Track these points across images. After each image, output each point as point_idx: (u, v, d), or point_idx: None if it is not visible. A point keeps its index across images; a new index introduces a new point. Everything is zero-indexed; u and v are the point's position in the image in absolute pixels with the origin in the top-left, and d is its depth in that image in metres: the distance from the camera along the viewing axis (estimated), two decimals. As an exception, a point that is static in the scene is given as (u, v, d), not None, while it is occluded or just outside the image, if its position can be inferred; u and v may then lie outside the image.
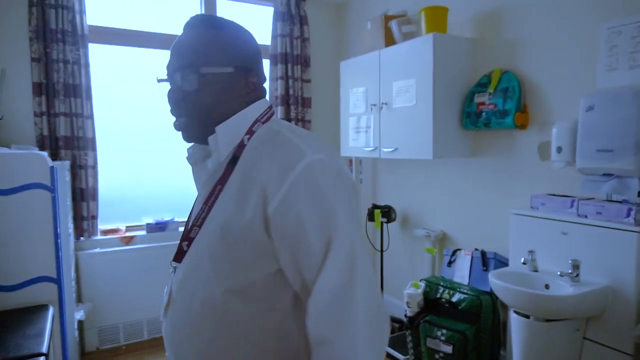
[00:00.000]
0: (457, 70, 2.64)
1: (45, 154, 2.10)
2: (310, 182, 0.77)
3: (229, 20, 0.92)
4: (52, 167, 2.04)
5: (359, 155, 3.31)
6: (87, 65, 2.99)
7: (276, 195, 0.76)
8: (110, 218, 3.21)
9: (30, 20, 2.81)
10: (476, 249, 2.59)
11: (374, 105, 3.03)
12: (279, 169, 0.77)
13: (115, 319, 3.07)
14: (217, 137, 0.87)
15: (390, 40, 2.97)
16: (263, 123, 0.89)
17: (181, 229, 3.36)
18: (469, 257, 2.57)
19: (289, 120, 3.69)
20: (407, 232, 3.29)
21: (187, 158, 0.97)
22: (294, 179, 0.76)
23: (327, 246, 0.75)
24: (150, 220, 3.27)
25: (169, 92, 0.89)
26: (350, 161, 3.83)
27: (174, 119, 0.92)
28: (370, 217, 3.23)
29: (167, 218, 3.33)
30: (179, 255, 0.90)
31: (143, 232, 3.23)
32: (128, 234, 3.20)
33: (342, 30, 3.98)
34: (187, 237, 0.88)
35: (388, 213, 3.18)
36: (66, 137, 2.92)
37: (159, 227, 3.26)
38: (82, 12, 2.95)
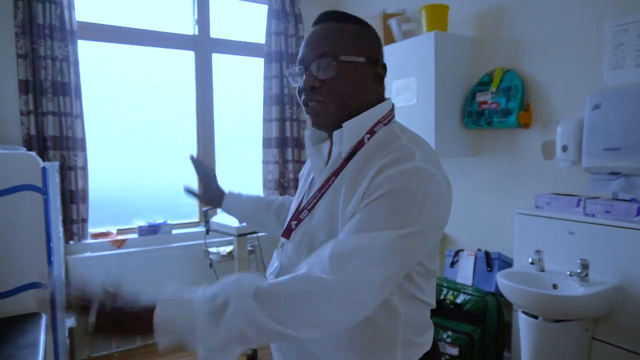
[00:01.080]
0: (458, 69, 2.62)
1: (32, 153, 1.99)
2: (404, 177, 0.80)
3: (356, 16, 0.98)
4: (43, 168, 1.94)
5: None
6: (76, 63, 2.87)
7: (374, 179, 0.82)
8: (100, 221, 3.10)
9: (16, 14, 2.69)
10: (479, 250, 2.57)
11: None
12: (386, 164, 0.83)
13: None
14: (342, 132, 0.92)
15: (389, 39, 2.93)
16: (384, 125, 0.94)
17: (175, 231, 3.28)
18: (473, 258, 2.54)
19: (284, 120, 3.63)
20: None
21: (305, 138, 1.04)
22: (394, 171, 0.81)
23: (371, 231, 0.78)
24: (142, 223, 3.17)
25: (304, 81, 0.92)
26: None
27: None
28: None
29: (159, 220, 3.23)
30: (287, 232, 0.97)
31: (135, 235, 3.13)
32: (119, 237, 3.09)
33: (336, 29, 3.93)
34: (297, 218, 0.96)
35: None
36: (54, 137, 2.80)
37: (151, 230, 3.16)
38: (70, 7, 2.83)
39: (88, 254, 2.91)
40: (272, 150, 3.59)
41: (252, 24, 3.70)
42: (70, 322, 2.60)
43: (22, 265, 1.93)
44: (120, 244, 3.06)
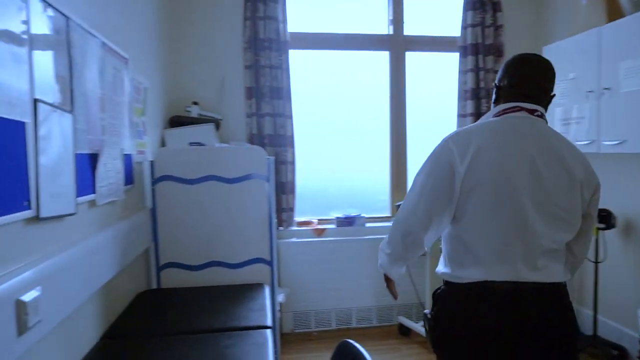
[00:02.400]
0: None
1: (261, 148, 2.32)
2: None
3: None
4: (268, 159, 2.25)
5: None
6: (287, 70, 3.25)
7: None
8: (304, 211, 3.44)
9: (244, 32, 3.18)
10: None
11: (591, 92, 2.60)
12: None
13: (307, 305, 3.27)
14: None
15: (614, 14, 2.52)
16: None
17: (369, 224, 3.42)
18: None
19: (479, 115, 3.45)
20: (631, 242, 2.75)
21: None
22: None
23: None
24: (339, 215, 3.40)
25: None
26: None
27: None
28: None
29: (354, 213, 3.42)
30: None
31: (333, 226, 3.38)
32: (320, 226, 3.38)
33: (543, 13, 3.56)
34: None
35: (606, 218, 2.70)
36: (270, 135, 3.22)
37: (347, 222, 3.36)
38: (284, 21, 3.22)
39: (294, 240, 3.26)
40: (466, 146, 3.44)
41: (446, 17, 3.61)
42: (280, 297, 2.95)
43: (251, 242, 2.26)
44: (320, 232, 3.34)
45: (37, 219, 1.16)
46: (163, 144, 2.73)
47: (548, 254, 1.26)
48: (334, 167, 3.54)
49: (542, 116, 1.37)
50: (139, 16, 2.25)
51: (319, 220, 3.45)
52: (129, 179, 1.98)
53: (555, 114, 2.95)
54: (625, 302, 2.79)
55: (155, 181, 2.19)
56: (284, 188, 3.25)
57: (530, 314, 1.23)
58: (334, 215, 3.43)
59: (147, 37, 2.41)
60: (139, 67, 2.21)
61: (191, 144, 2.54)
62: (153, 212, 2.20)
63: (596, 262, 2.83)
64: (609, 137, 2.49)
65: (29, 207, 1.14)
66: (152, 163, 2.20)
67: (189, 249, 2.22)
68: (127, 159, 1.96)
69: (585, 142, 2.65)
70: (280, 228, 3.29)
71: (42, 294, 1.10)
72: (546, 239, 1.25)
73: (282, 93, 3.22)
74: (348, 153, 3.52)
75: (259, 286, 2.15)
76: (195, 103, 3.02)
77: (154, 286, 2.23)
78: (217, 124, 2.98)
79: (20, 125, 1.12)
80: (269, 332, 1.62)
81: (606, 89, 2.48)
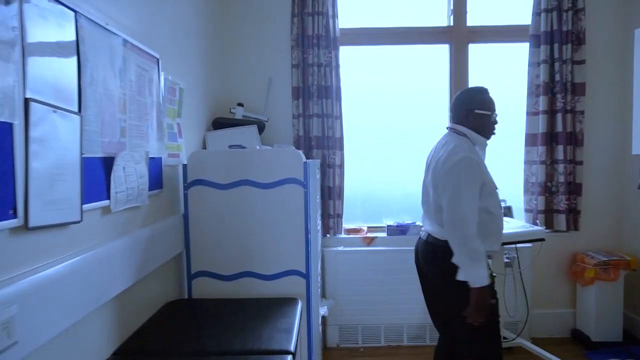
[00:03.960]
0: None
1: (299, 151, 2.15)
2: None
3: None
4: (305, 163, 2.07)
5: (665, 153, 2.43)
6: (337, 67, 3.06)
7: None
8: (353, 217, 3.23)
9: (292, 29, 3.04)
10: None
11: (697, 81, 2.14)
12: None
13: (354, 319, 3.05)
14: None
15: None
16: None
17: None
18: None
19: (554, 112, 3.03)
20: None
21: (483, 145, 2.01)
22: None
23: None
24: (391, 222, 3.14)
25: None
26: (644, 162, 2.90)
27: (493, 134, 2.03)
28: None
29: (408, 221, 3.15)
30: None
31: (383, 234, 3.13)
32: (369, 234, 3.15)
33: (632, -8, 3.07)
34: None
35: None
36: (317, 137, 3.05)
37: (399, 230, 3.10)
38: (334, 16, 3.04)
39: (341, 248, 3.06)
40: (538, 148, 3.05)
41: (516, 3, 3.23)
42: (323, 310, 2.76)
43: (285, 252, 2.10)
44: (370, 241, 3.10)
45: (24, 228, 1.07)
46: (205, 146, 2.65)
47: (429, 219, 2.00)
48: (386, 171, 3.29)
49: (453, 129, 2.00)
50: (173, 13, 2.17)
51: (368, 227, 3.22)
52: (157, 183, 1.89)
53: (648, 110, 2.49)
54: None
55: (187, 185, 2.10)
56: (331, 193, 3.06)
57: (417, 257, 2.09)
58: (385, 222, 3.18)
59: (184, 36, 2.34)
60: (174, 67, 2.14)
61: (231, 146, 2.43)
62: (185, 217, 2.11)
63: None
64: None
65: (14, 216, 1.05)
66: (184, 167, 2.10)
67: (221, 258, 2.10)
68: (155, 162, 1.88)
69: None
70: (327, 235, 3.10)
71: (19, 312, 1.00)
72: (431, 212, 1.96)
73: (331, 92, 3.04)
74: (403, 156, 3.25)
75: (292, 301, 1.98)
76: (240, 104, 2.92)
77: (185, 295, 2.14)
78: (261, 126, 2.85)
79: (7, 126, 1.03)
80: (289, 359, 1.43)
81: None
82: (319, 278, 2.81)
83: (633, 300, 3.02)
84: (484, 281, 1.71)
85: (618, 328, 2.97)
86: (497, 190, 1.90)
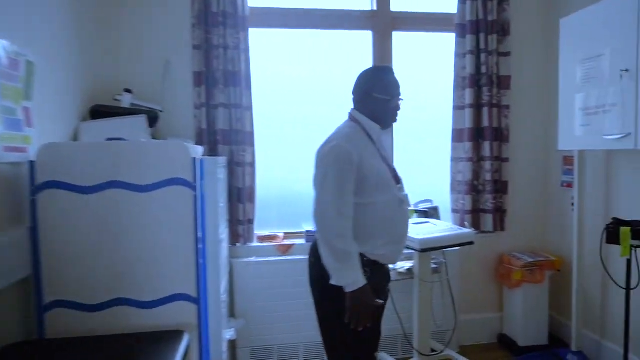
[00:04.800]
0: None
1: (187, 143, 1.72)
2: None
3: None
4: (194, 160, 1.65)
5: (592, 147, 2.32)
6: (246, 51, 2.67)
7: None
8: (266, 222, 2.84)
9: (193, 3, 2.60)
10: None
11: (626, 71, 2.01)
12: None
13: (269, 339, 2.67)
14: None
15: None
16: None
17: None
18: None
19: (480, 106, 2.86)
20: (674, 265, 2.16)
21: (376, 130, 1.71)
22: None
23: None
24: (311, 228, 2.80)
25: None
26: (567, 157, 2.81)
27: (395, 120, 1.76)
28: (612, 237, 2.20)
29: (328, 225, 2.82)
30: (397, 179, 1.70)
31: (302, 241, 2.78)
32: (286, 242, 2.78)
33: (555, -18, 2.98)
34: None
35: (643, 234, 2.11)
36: (224, 131, 2.63)
37: (319, 236, 2.76)
38: (243, -9, 2.64)
39: (253, 259, 2.67)
40: (465, 144, 2.86)
41: (441, -9, 3.03)
42: (230, 334, 2.35)
43: (169, 272, 1.66)
44: (286, 249, 2.74)
45: None
46: (76, 140, 2.14)
47: None
48: (306, 170, 2.92)
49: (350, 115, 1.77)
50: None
51: (285, 234, 2.85)
52: (-21, 186, 1.39)
53: (575, 103, 2.36)
54: (666, 341, 2.21)
55: (36, 189, 1.60)
56: (240, 195, 2.66)
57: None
58: (305, 228, 2.83)
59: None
60: (21, 33, 1.63)
61: (108, 139, 1.94)
62: (33, 231, 1.60)
63: (627, 289, 2.24)
64: (651, 129, 1.90)
65: None
66: (32, 164, 1.60)
67: (84, 283, 1.62)
68: (-24, 158, 1.37)
69: (617, 137, 2.06)
70: (237, 244, 2.70)
71: None
72: None
73: (239, 79, 2.64)
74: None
75: (176, 335, 1.55)
76: (128, 91, 2.43)
77: (35, 335, 1.63)
78: (154, 116, 2.38)
79: None
80: None
81: (648, 66, 1.89)
82: (226, 295, 2.40)
83: (558, 302, 2.94)
84: (358, 283, 1.52)
85: (544, 331, 2.88)
86: (400, 185, 1.67)
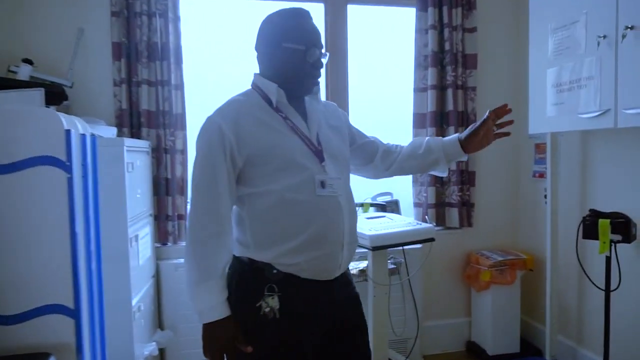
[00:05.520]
0: None
1: (59, 113, 1.34)
2: None
3: None
4: (67, 131, 1.29)
5: (566, 128, 2.04)
6: (176, 20, 2.31)
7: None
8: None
9: (110, -37, 2.23)
10: None
11: (603, 37, 1.74)
12: None
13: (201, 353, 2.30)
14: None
15: None
16: None
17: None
18: None
19: (444, 88, 2.57)
20: (658, 262, 1.90)
21: (282, 97, 1.22)
22: None
23: None
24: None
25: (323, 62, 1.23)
26: (539, 145, 2.55)
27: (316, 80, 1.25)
28: (589, 232, 1.92)
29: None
30: (319, 155, 1.22)
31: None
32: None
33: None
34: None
35: (624, 227, 1.84)
36: (149, 112, 2.27)
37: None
38: (172, -50, 2.28)
39: (183, 260, 2.30)
40: (427, 130, 2.56)
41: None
42: (149, 348, 1.98)
43: (38, 278, 1.30)
44: (223, 249, 2.39)
45: None
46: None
47: None
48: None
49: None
50: None
51: (222, 231, 2.50)
52: None
53: (547, 79, 2.08)
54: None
55: None
56: (169, 187, 2.30)
57: None
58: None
59: None
60: None
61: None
62: None
63: (607, 290, 1.97)
64: (632, 102, 1.62)
65: None
66: None
67: None
68: None
69: (595, 114, 1.78)
70: (167, 244, 2.33)
71: None
72: None
73: (167, 52, 2.28)
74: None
75: (39, 358, 1.18)
76: (28, 61, 2.05)
77: None
78: (60, 92, 2.00)
79: None
80: None
81: (629, 28, 1.61)
82: (145, 304, 2.03)
83: (529, 304, 2.67)
84: (214, 312, 1.11)
85: (515, 338, 2.60)
86: (324, 164, 1.18)
